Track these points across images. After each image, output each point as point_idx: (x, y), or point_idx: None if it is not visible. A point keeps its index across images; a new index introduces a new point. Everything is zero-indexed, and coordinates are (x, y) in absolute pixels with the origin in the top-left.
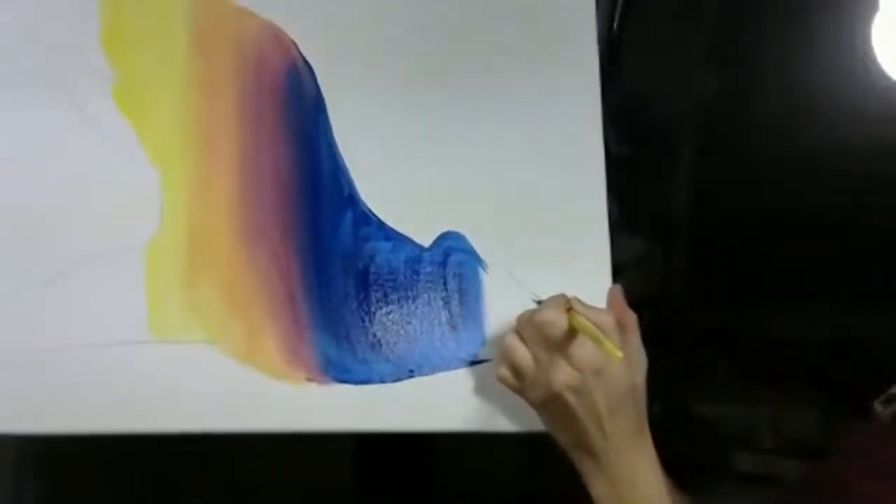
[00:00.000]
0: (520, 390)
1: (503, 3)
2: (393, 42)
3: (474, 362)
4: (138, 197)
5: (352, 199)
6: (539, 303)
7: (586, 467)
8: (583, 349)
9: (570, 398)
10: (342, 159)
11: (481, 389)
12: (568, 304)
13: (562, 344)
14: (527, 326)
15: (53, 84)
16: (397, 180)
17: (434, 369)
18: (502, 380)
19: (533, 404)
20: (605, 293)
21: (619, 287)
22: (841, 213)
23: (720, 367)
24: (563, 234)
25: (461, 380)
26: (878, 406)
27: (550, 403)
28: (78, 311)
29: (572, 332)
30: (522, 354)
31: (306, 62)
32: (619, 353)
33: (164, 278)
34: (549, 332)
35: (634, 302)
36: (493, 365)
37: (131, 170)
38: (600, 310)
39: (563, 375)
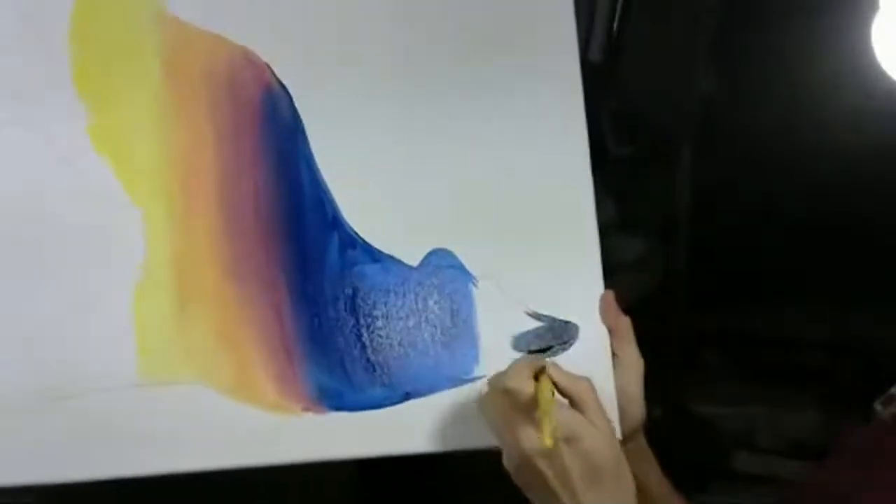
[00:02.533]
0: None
1: (485, 22)
2: (371, 61)
3: (470, 380)
4: (122, 237)
5: (336, 222)
6: (532, 315)
7: None
8: (556, 414)
9: (541, 464)
10: (324, 182)
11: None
12: (540, 368)
13: (530, 408)
14: (493, 391)
15: (28, 126)
16: (381, 200)
17: (430, 390)
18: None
19: (510, 471)
20: (597, 300)
21: (611, 293)
22: (841, 213)
23: (720, 367)
24: (553, 243)
25: (458, 398)
26: (878, 406)
27: (522, 469)
28: (67, 358)
29: (536, 403)
30: (490, 416)
31: (282, 85)
32: (549, 442)
33: (153, 319)
34: (514, 399)
35: (635, 302)
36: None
37: (112, 209)
38: (580, 378)
39: (530, 441)
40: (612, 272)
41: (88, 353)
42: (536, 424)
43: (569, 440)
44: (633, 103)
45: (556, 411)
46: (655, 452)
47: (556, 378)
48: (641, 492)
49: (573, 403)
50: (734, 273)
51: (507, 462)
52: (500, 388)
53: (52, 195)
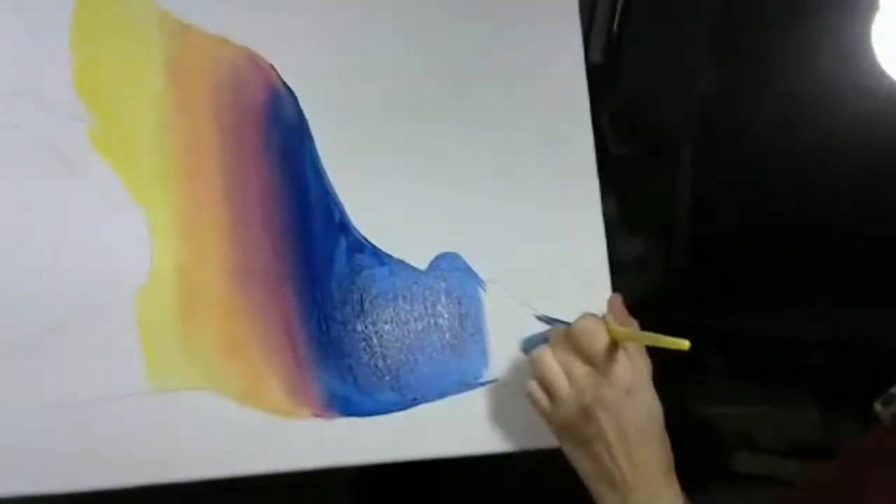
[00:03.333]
0: (546, 409)
1: (492, 20)
2: (376, 63)
3: (479, 384)
4: (126, 242)
5: (344, 226)
6: (540, 319)
7: (608, 502)
8: (619, 364)
9: (602, 415)
10: (331, 185)
11: (489, 411)
12: (606, 321)
13: (597, 357)
14: (562, 338)
15: (30, 133)
16: (388, 204)
17: (439, 394)
18: (531, 395)
19: (559, 425)
20: (604, 303)
21: (618, 296)
22: (841, 213)
23: (720, 367)
24: (560, 247)
25: (468, 403)
26: (878, 406)
27: (579, 423)
28: (75, 366)
29: (611, 347)
30: (554, 368)
31: (287, 87)
32: (686, 344)
33: (159, 325)
34: (587, 342)
35: (635, 302)
36: (500, 385)
37: (115, 212)
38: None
39: (596, 390)
40: (613, 272)
41: (94, 360)
42: (605, 373)
43: (629, 392)
44: (633, 103)
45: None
46: None
47: (620, 335)
48: None
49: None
50: (734, 273)
51: (563, 415)
52: (571, 332)
53: (54, 199)
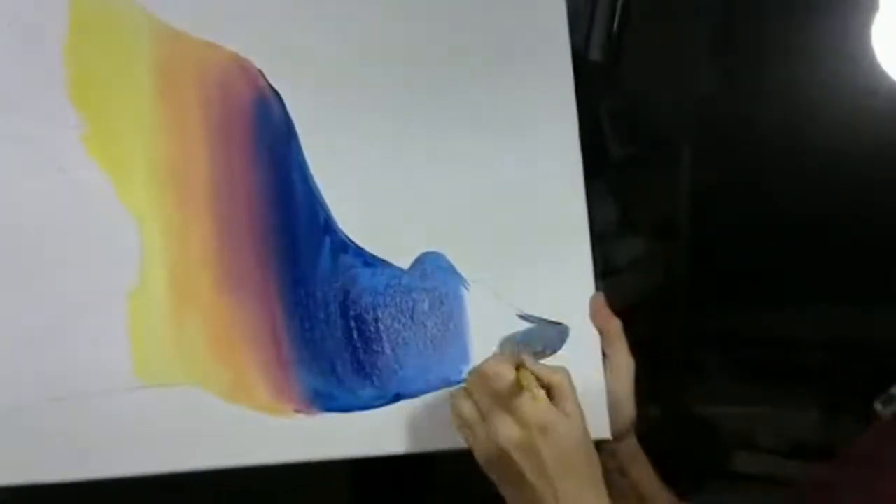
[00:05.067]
0: (470, 446)
1: (477, 30)
2: (363, 67)
3: (460, 381)
4: (117, 244)
5: (328, 227)
6: (523, 318)
7: None
8: (529, 404)
9: (516, 455)
10: (317, 187)
11: None
12: (520, 360)
13: (508, 398)
14: (473, 377)
15: (24, 136)
16: (373, 204)
17: (421, 391)
18: (458, 431)
19: (481, 462)
20: (588, 302)
21: (601, 295)
22: (841, 213)
23: (720, 367)
24: (544, 245)
25: (448, 399)
26: (878, 406)
27: (496, 461)
28: (67, 362)
29: (520, 387)
30: (465, 411)
31: (275, 91)
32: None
33: (148, 325)
34: (494, 384)
35: (635, 302)
36: None
37: (107, 216)
38: (556, 368)
39: (507, 430)
40: (613, 272)
41: (85, 357)
42: (513, 415)
43: (543, 430)
44: (633, 103)
45: (535, 392)
46: (656, 452)
47: (534, 369)
48: (633, 490)
49: (550, 394)
50: (734, 273)
51: (481, 455)
52: (479, 372)
53: (48, 204)
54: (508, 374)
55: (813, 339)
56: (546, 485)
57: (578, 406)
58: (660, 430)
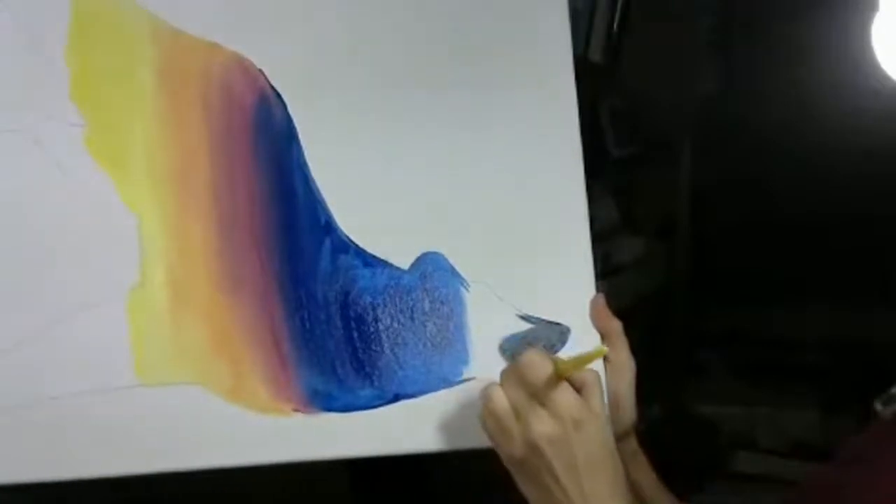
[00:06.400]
0: (495, 442)
1: (478, 29)
2: (364, 68)
3: (460, 381)
4: (118, 243)
5: (329, 227)
6: (523, 318)
7: None
8: (564, 396)
9: (548, 450)
10: (317, 187)
11: (469, 408)
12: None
13: (542, 390)
14: (508, 371)
15: (26, 135)
16: (373, 205)
17: (420, 391)
18: (484, 428)
19: (508, 458)
20: (588, 302)
21: (601, 296)
22: (841, 213)
23: (720, 367)
24: (545, 246)
25: (448, 399)
26: (878, 406)
27: (527, 457)
28: (68, 361)
29: (555, 379)
30: (501, 403)
31: (276, 92)
32: (605, 349)
33: (149, 324)
34: (531, 375)
35: (635, 302)
36: (480, 383)
37: (108, 216)
38: (587, 369)
39: (541, 425)
40: (613, 272)
41: (85, 356)
42: (548, 409)
43: (577, 425)
44: (633, 103)
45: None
46: (656, 452)
47: (565, 366)
48: (633, 492)
49: (580, 393)
50: (734, 273)
51: (511, 451)
52: (516, 365)
53: (50, 203)
54: (545, 363)
55: (813, 339)
56: (574, 482)
57: (606, 407)
58: (660, 431)
